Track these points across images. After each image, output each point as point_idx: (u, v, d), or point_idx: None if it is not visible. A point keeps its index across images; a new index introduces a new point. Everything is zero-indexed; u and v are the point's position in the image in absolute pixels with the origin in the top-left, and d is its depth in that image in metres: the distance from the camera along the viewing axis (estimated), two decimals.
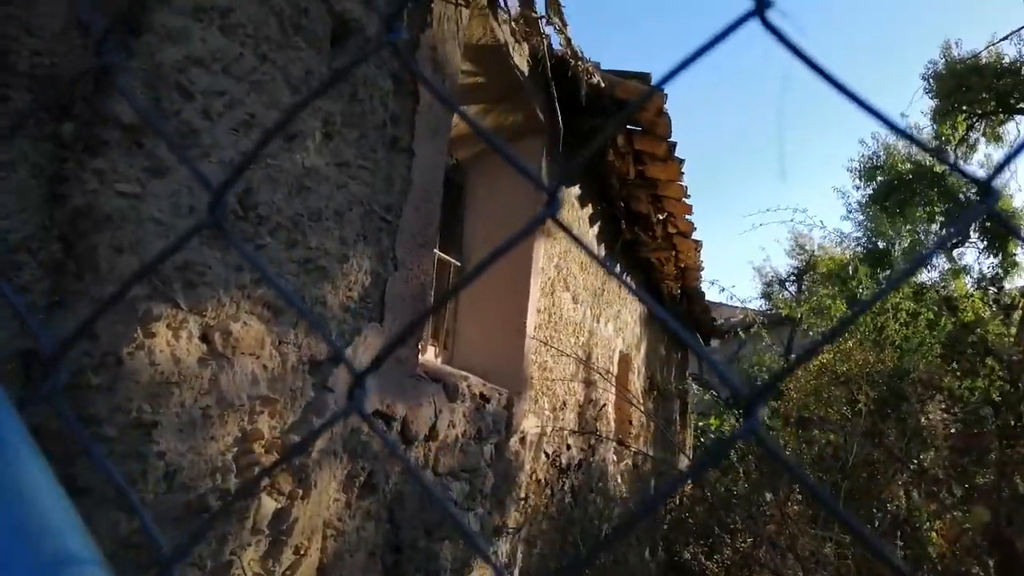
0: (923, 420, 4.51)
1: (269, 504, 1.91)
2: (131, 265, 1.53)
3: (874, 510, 3.33)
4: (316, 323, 1.87)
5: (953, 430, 4.22)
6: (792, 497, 4.04)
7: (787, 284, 16.42)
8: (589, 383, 5.56)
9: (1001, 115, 12.14)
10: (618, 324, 6.59)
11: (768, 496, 4.26)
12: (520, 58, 3.58)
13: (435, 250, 3.43)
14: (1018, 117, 12.27)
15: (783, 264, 23.20)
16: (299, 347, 2.02)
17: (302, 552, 2.04)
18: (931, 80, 12.15)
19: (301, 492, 2.01)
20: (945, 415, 4.64)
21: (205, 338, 1.74)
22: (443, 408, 2.84)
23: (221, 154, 1.73)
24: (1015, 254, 13.98)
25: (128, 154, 1.51)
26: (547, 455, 4.33)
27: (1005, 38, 11.00)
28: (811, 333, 10.75)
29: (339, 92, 2.14)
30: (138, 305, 1.55)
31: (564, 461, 4.51)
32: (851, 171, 15.77)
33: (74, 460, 1.46)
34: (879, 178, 14.74)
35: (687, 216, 6.13)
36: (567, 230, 0.57)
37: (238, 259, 1.79)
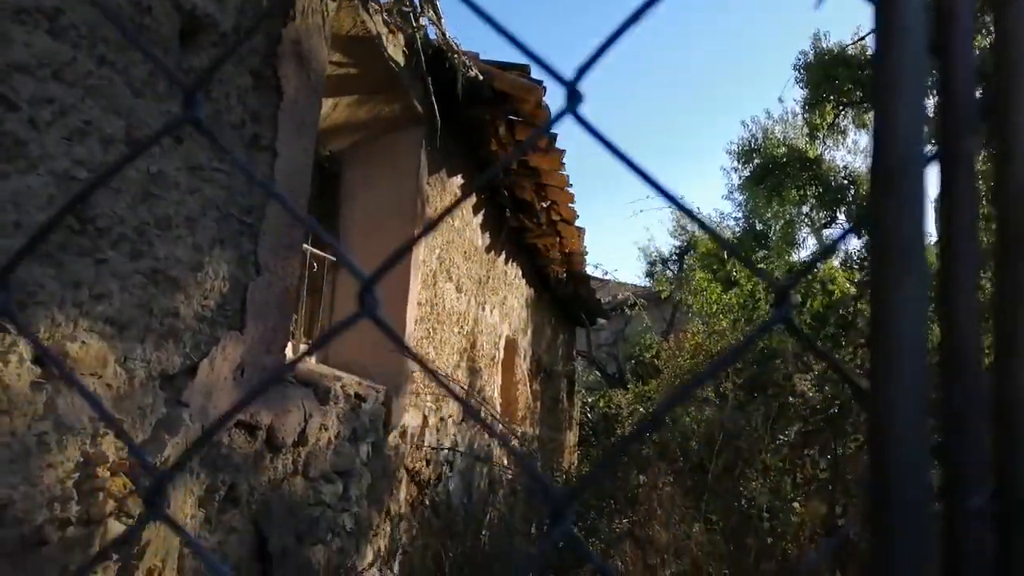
0: (790, 399, 4.79)
1: (117, 529, 1.83)
2: None
3: (735, 502, 3.52)
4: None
5: (816, 407, 4.49)
6: (665, 479, 4.21)
7: (669, 263, 17.02)
8: (474, 371, 5.59)
9: (866, 104, 12.91)
10: (504, 310, 6.65)
11: (641, 479, 4.43)
12: (395, 49, 3.52)
13: (305, 248, 3.35)
14: None
15: (666, 244, 24.06)
16: (148, 362, 1.93)
17: (156, 574, 1.96)
18: (802, 70, 12.78)
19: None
20: (808, 392, 4.93)
21: (39, 361, 1.63)
22: (313, 412, 2.79)
23: (52, 164, 1.63)
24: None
25: None
26: (429, 448, 4.34)
27: (869, 33, 11.68)
28: (691, 313, 11.18)
29: None
30: None
31: (435, 457, 4.52)
32: (731, 153, 16.43)
33: None
34: (756, 160, 15.42)
35: (570, 204, 6.23)
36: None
37: (75, 276, 1.69)
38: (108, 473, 1.82)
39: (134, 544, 1.89)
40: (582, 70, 0.57)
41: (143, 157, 1.87)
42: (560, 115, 0.58)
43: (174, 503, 2.02)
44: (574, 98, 0.57)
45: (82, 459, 1.74)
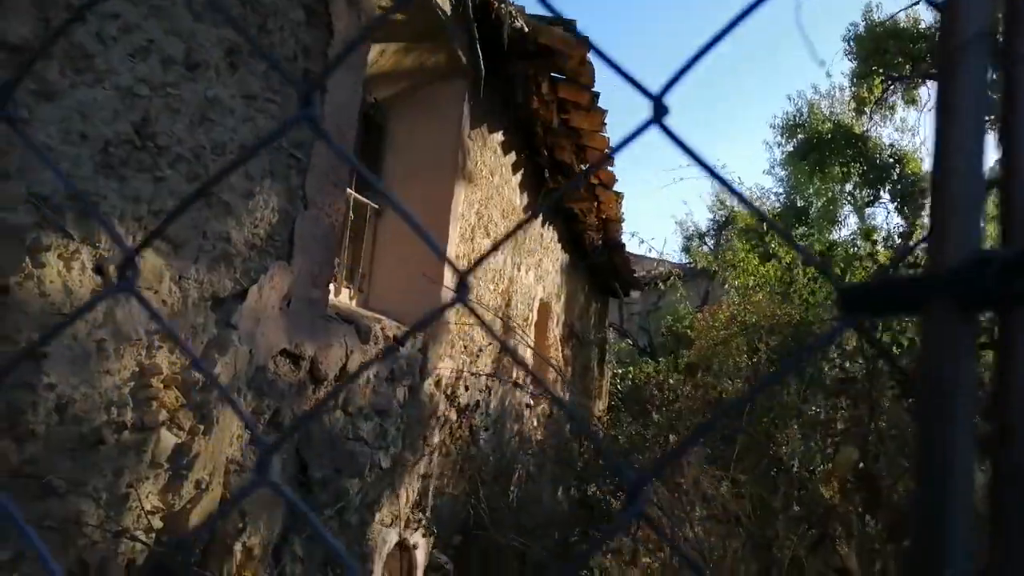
0: (825, 367, 4.75)
1: (169, 439, 1.91)
2: (17, 191, 1.48)
3: (765, 453, 3.52)
4: None
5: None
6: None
7: (706, 238, 16.88)
8: (508, 329, 5.64)
9: (916, 79, 12.60)
10: (539, 272, 6.67)
11: (671, 438, 4.45)
12: None
13: (350, 190, 3.40)
14: (930, 82, 12.75)
15: (704, 218, 23.80)
16: (200, 283, 2.00)
17: (204, 487, 2.04)
18: (851, 42, 12.50)
19: (202, 428, 2.01)
20: (843, 367, 4.89)
21: (99, 270, 1.70)
22: (355, 349, 2.85)
23: (117, 79, 1.68)
24: (922, 215, 14.67)
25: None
26: (459, 398, 4.40)
27: (918, 1, 11.36)
28: (726, 286, 11.08)
29: (246, 22, 2.08)
30: (26, 234, 1.51)
31: (470, 401, 4.60)
32: (774, 127, 16.19)
33: None
34: (800, 136, 15.17)
35: (609, 167, 6.20)
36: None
37: (136, 191, 1.75)
38: (162, 385, 1.89)
39: (184, 456, 1.97)
40: (668, 85, 0.57)
41: (201, 80, 1.92)
42: (645, 126, 0.57)
43: (222, 420, 2.09)
44: (660, 110, 0.56)
45: (137, 369, 1.81)
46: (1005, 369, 0.36)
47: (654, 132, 0.54)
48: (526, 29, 3.97)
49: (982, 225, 0.38)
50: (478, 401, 4.77)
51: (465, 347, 4.52)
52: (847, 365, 3.44)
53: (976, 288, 0.36)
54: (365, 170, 0.66)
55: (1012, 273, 0.34)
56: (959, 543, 0.35)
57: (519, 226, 0.68)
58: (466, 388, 4.49)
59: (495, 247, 0.67)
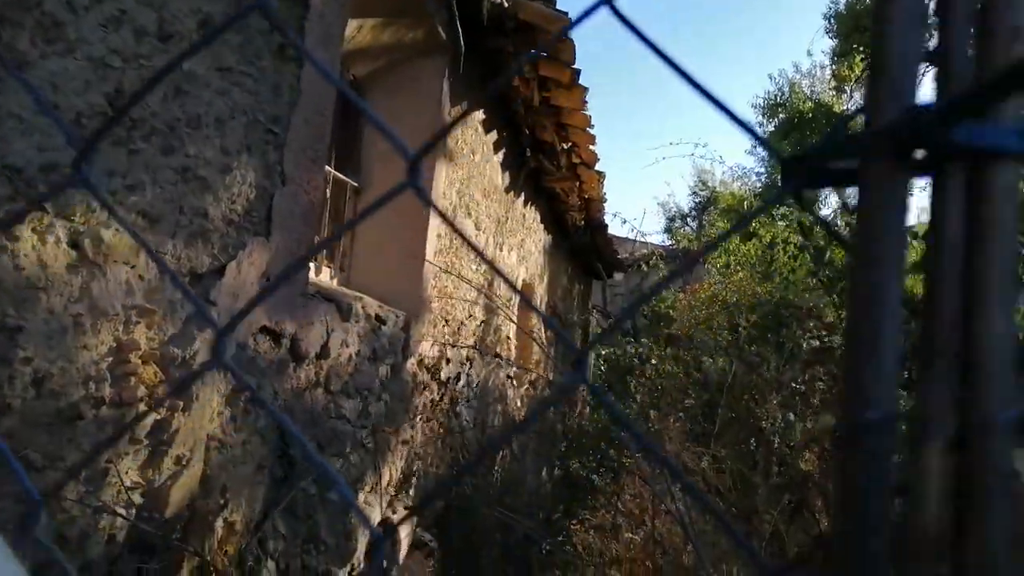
0: (803, 344, 4.81)
1: (147, 415, 1.90)
2: None
3: (750, 428, 3.57)
4: None
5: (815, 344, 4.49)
6: (675, 416, 4.27)
7: (689, 219, 16.95)
8: (490, 310, 5.64)
9: None
10: (521, 253, 6.67)
11: (652, 414, 4.49)
12: None
13: (328, 167, 3.38)
14: None
15: (686, 200, 23.87)
16: (178, 258, 1.98)
17: (184, 463, 2.04)
18: (832, 20, 12.52)
19: (182, 404, 2.00)
20: (821, 339, 4.94)
21: (75, 244, 1.68)
22: (336, 327, 2.84)
23: (89, 50, 1.65)
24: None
25: None
26: (441, 371, 4.41)
27: None
28: (708, 266, 11.14)
29: None
30: None
31: (451, 375, 4.60)
32: (756, 107, 16.22)
33: None
34: (781, 115, 15.21)
35: (591, 146, 6.19)
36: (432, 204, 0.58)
37: (110, 164, 1.73)
38: (140, 361, 1.88)
39: (164, 431, 1.96)
40: None
41: (175, 52, 1.89)
42: (596, 5, 0.56)
43: (202, 396, 2.08)
44: None
45: (115, 344, 1.80)
46: (938, 223, 0.37)
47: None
48: (506, 4, 3.94)
49: (918, 89, 0.38)
50: (459, 374, 4.77)
51: (447, 323, 4.52)
52: (825, 337, 3.48)
53: (912, 137, 0.36)
54: (342, 84, 0.65)
55: (946, 120, 0.35)
56: (885, 385, 0.36)
57: (464, 114, 0.68)
58: (447, 362, 4.50)
59: (442, 133, 0.66)
